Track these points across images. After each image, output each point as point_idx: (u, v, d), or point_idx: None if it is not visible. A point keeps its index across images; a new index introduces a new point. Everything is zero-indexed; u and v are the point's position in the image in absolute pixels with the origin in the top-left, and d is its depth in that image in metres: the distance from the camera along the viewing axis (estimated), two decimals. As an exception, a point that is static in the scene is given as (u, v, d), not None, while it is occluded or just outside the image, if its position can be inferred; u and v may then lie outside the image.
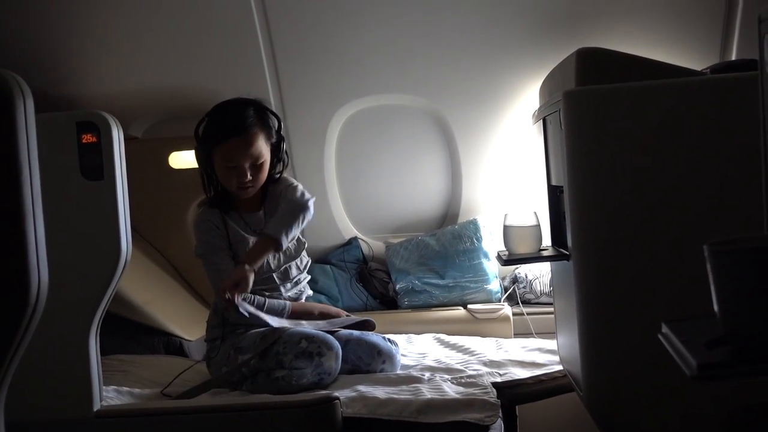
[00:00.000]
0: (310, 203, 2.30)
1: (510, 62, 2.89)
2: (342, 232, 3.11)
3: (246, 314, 2.17)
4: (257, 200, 2.36)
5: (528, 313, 2.80)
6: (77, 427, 1.78)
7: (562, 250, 1.93)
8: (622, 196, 1.67)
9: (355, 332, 2.27)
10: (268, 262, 2.28)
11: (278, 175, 2.37)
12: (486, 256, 2.91)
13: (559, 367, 2.15)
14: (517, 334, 2.75)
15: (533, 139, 2.32)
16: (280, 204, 2.33)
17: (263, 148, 2.27)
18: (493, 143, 3.00)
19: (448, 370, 2.18)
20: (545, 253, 2.00)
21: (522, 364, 2.24)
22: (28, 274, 1.01)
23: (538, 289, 2.89)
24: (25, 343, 1.05)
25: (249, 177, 2.25)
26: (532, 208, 2.06)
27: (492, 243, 2.92)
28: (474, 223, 2.97)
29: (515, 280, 2.95)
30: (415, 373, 2.13)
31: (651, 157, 1.66)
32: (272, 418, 1.80)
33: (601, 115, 1.69)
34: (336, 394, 1.88)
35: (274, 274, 2.30)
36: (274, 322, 2.22)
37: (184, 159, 2.99)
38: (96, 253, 1.77)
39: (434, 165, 3.09)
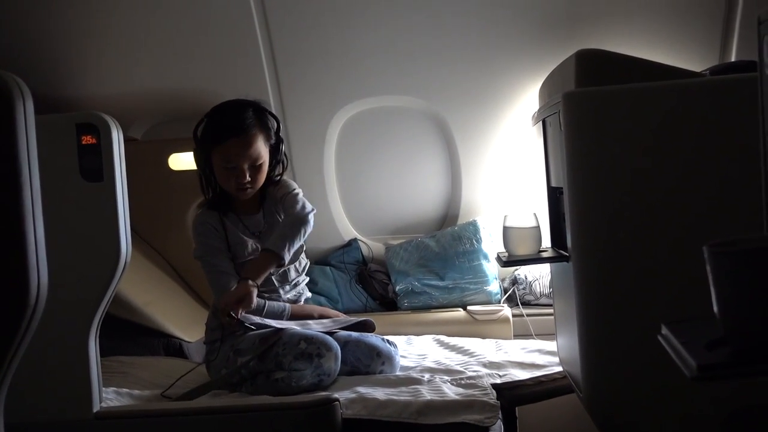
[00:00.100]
0: (311, 216, 2.29)
1: (509, 64, 2.90)
2: (342, 233, 3.11)
3: (253, 327, 2.17)
4: (256, 202, 2.36)
5: (528, 315, 2.80)
6: (77, 428, 1.78)
7: (561, 251, 1.93)
8: (622, 198, 1.67)
9: (354, 333, 2.27)
10: (267, 264, 2.29)
11: (278, 177, 2.37)
12: (486, 257, 2.91)
13: (559, 369, 2.15)
14: (516, 336, 2.75)
15: (533, 141, 2.32)
16: (279, 211, 2.33)
17: (262, 150, 2.27)
18: (493, 145, 3.00)
19: (448, 371, 2.18)
20: (545, 255, 2.00)
21: (522, 365, 2.24)
22: (28, 275, 1.01)
23: (538, 290, 2.89)
24: (24, 345, 1.05)
25: (248, 178, 2.25)
26: (531, 209, 2.06)
27: (492, 244, 2.92)
28: (474, 225, 2.97)
29: (515, 281, 2.95)
30: (414, 375, 2.13)
31: (651, 158, 1.66)
32: (272, 420, 1.80)
33: (601, 117, 1.69)
34: (336, 395, 1.88)
35: (272, 277, 2.30)
36: (279, 325, 2.22)
37: (183, 160, 2.99)
38: (96, 254, 1.77)
39: (434, 166, 3.09)
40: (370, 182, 3.13)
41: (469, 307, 2.86)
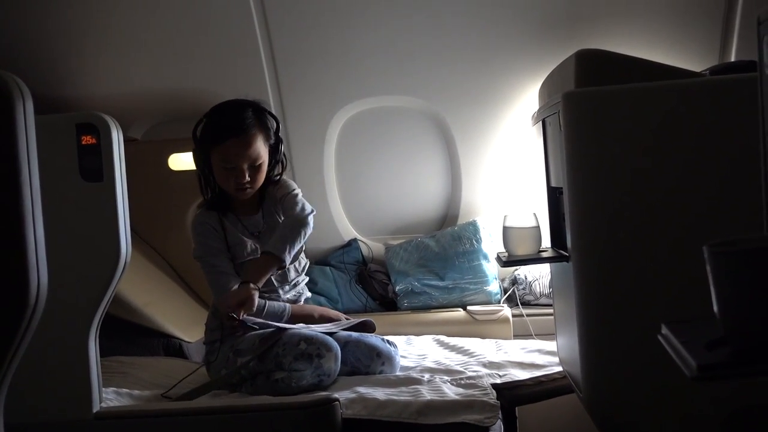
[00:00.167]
0: (310, 218, 2.29)
1: (509, 64, 2.90)
2: (341, 233, 3.11)
3: (256, 327, 2.16)
4: (255, 202, 2.36)
5: (527, 315, 2.80)
6: (77, 428, 1.78)
7: (561, 251, 1.93)
8: (622, 198, 1.67)
9: (354, 334, 2.27)
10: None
11: (277, 177, 2.37)
12: (485, 257, 2.91)
13: (559, 369, 2.15)
14: (516, 336, 2.75)
15: (533, 141, 2.32)
16: (279, 211, 2.33)
17: (261, 150, 2.27)
18: (493, 145, 3.00)
19: (448, 371, 2.18)
20: (545, 255, 2.00)
21: (522, 365, 2.24)
22: (28, 276, 1.01)
23: (538, 290, 2.89)
24: (24, 345, 1.05)
25: (247, 178, 2.25)
26: (531, 209, 2.06)
27: (491, 244, 2.92)
28: (473, 225, 2.97)
29: (515, 281, 2.95)
30: (414, 375, 2.13)
31: (650, 158, 1.66)
32: (272, 420, 1.80)
33: (601, 117, 1.69)
34: (335, 395, 1.88)
35: (272, 277, 2.30)
36: (281, 326, 2.21)
37: (183, 161, 2.99)
38: (95, 254, 1.76)
39: (434, 166, 3.09)
40: (370, 182, 3.13)
41: (469, 307, 2.86)
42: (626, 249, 1.67)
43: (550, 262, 2.10)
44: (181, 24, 2.86)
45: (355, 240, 3.11)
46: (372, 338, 2.25)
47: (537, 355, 2.37)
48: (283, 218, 2.32)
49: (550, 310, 2.44)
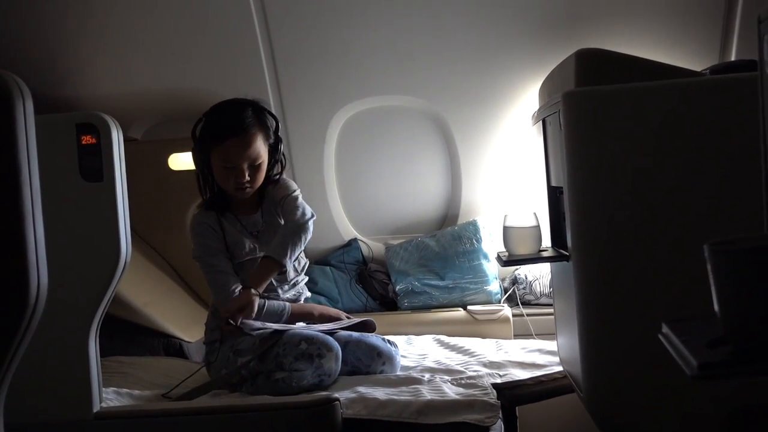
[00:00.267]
0: (310, 223, 2.30)
1: (509, 63, 2.90)
2: (342, 233, 3.11)
3: (252, 334, 2.16)
4: (255, 201, 2.36)
5: (528, 314, 2.80)
6: (77, 428, 1.78)
7: (561, 251, 1.93)
8: (622, 197, 1.67)
9: (355, 334, 2.27)
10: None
11: (277, 177, 2.37)
12: (486, 257, 2.91)
13: (559, 368, 2.15)
14: (517, 335, 2.75)
15: (533, 141, 2.32)
16: (278, 212, 2.33)
17: (261, 149, 2.27)
18: (493, 144, 3.00)
19: (448, 371, 2.18)
20: (545, 254, 2.00)
21: (522, 365, 2.24)
22: (28, 275, 1.01)
23: (538, 290, 2.88)
24: (24, 345, 1.05)
25: (247, 178, 2.24)
26: (531, 209, 2.06)
27: (492, 244, 2.92)
28: (474, 224, 2.97)
29: (515, 281, 2.95)
30: (415, 375, 2.13)
31: (651, 157, 1.66)
32: (272, 420, 1.80)
33: (601, 116, 1.69)
34: (336, 395, 1.88)
35: (272, 277, 2.30)
36: (279, 328, 2.21)
37: (183, 161, 2.99)
38: (95, 254, 1.77)
39: (434, 166, 3.09)
40: (370, 182, 3.13)
41: (469, 307, 2.86)
42: (626, 248, 1.67)
43: (550, 262, 2.10)
44: (181, 24, 2.86)
45: (355, 240, 3.11)
46: (372, 338, 2.25)
47: (537, 354, 2.37)
48: (283, 222, 2.32)
49: (551, 310, 2.44)
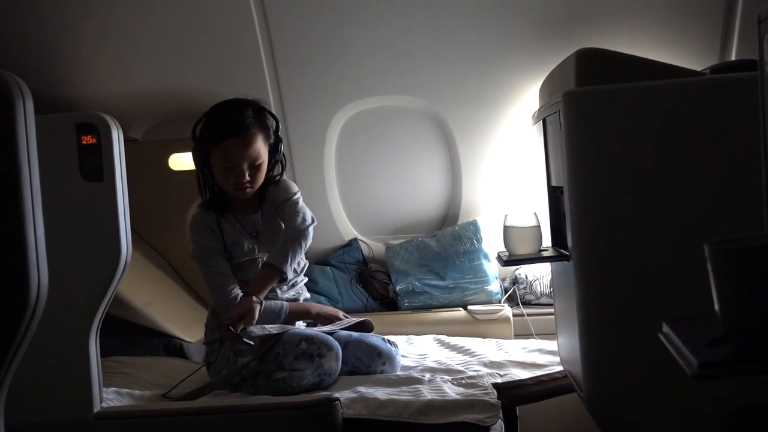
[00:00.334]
0: (311, 229, 2.30)
1: (509, 63, 2.89)
2: (342, 233, 3.11)
3: (251, 343, 2.15)
4: (255, 202, 2.36)
5: (528, 314, 2.80)
6: (77, 428, 1.78)
7: (562, 250, 1.93)
8: (623, 197, 1.67)
9: (355, 334, 2.27)
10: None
11: (277, 178, 2.37)
12: (486, 257, 2.91)
13: (560, 368, 2.15)
14: (517, 335, 2.75)
15: (533, 140, 2.32)
16: (279, 214, 2.33)
17: (261, 149, 2.26)
18: (493, 144, 3.00)
19: (449, 371, 2.18)
20: (545, 254, 2.00)
21: (522, 364, 2.24)
22: (28, 275, 1.01)
23: (539, 290, 2.88)
24: (24, 345, 1.05)
25: (247, 178, 2.24)
26: (532, 208, 2.06)
27: (492, 244, 2.92)
28: (474, 224, 2.97)
29: (515, 281, 2.95)
30: (415, 374, 2.13)
31: (651, 157, 1.66)
32: (272, 420, 1.80)
33: (601, 116, 1.69)
34: (336, 395, 1.88)
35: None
36: (279, 331, 2.21)
37: (183, 161, 2.99)
38: (96, 254, 1.76)
39: (434, 166, 3.09)
40: (370, 182, 3.13)
41: (469, 307, 2.86)
42: (627, 248, 1.67)
43: (550, 262, 2.11)
44: (181, 24, 2.86)
45: (355, 240, 3.11)
46: (373, 338, 2.25)
47: (538, 354, 2.37)
48: (284, 227, 2.32)
49: (551, 310, 2.44)
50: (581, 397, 1.84)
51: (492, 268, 2.92)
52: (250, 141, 2.23)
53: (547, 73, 2.15)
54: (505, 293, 2.94)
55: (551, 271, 2.51)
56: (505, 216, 2.04)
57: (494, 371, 2.17)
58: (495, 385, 2.02)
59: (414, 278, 2.92)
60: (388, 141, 3.09)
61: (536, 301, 2.89)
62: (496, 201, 3.03)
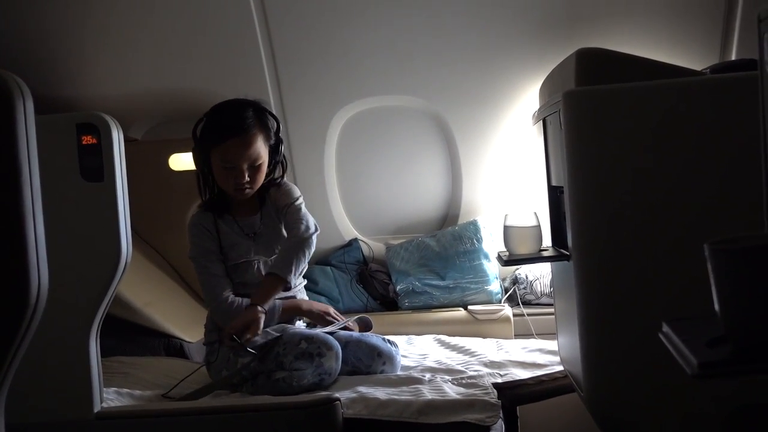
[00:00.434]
0: (314, 238, 2.30)
1: (510, 63, 2.89)
2: (342, 233, 3.11)
3: (254, 352, 2.13)
4: (255, 203, 2.36)
5: (528, 314, 2.80)
6: (78, 428, 1.78)
7: (562, 250, 1.93)
8: (623, 197, 1.67)
9: (355, 333, 2.27)
10: (260, 267, 2.28)
11: (278, 180, 2.37)
12: (486, 257, 2.91)
13: (560, 368, 2.15)
14: (517, 335, 2.75)
15: (533, 140, 2.32)
16: (279, 217, 2.32)
17: (262, 150, 2.26)
18: (493, 144, 3.00)
19: (449, 371, 2.18)
20: (545, 254, 2.00)
21: (523, 364, 2.24)
22: (28, 275, 1.01)
23: (539, 289, 2.88)
24: (25, 345, 1.05)
25: (247, 178, 2.24)
26: (532, 208, 2.06)
27: (492, 244, 2.92)
28: (474, 224, 2.97)
29: (516, 280, 2.95)
30: (415, 374, 2.13)
31: (651, 157, 1.66)
32: (273, 420, 1.80)
33: (601, 116, 1.69)
34: (336, 395, 1.88)
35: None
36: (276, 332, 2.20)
37: (184, 161, 2.99)
38: (96, 254, 1.76)
39: (434, 166, 3.09)
40: (370, 182, 3.13)
41: (469, 307, 2.86)
42: (627, 248, 1.67)
43: (550, 261, 2.11)
44: (181, 24, 2.86)
45: (355, 240, 3.11)
46: (373, 338, 2.25)
47: (538, 354, 2.37)
48: (285, 234, 2.31)
49: (551, 310, 2.44)
50: (581, 397, 1.84)
51: (492, 268, 2.92)
52: (250, 141, 2.23)
53: (547, 73, 2.15)
54: (506, 293, 2.94)
55: (551, 271, 2.51)
56: (505, 216, 2.04)
57: (494, 371, 2.17)
58: (495, 385, 2.02)
59: (414, 278, 2.92)
60: (388, 141, 3.09)
61: (536, 301, 2.89)
62: (496, 201, 3.03)
